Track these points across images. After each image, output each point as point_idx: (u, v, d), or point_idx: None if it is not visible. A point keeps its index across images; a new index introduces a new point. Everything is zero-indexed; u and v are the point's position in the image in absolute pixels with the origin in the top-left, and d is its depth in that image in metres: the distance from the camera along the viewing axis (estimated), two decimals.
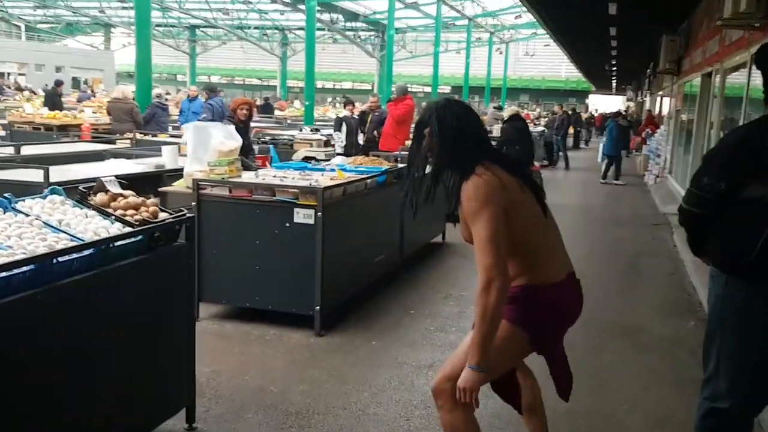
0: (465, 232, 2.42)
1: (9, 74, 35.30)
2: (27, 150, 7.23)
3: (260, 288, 4.73)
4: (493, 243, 2.26)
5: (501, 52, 43.33)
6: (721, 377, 2.68)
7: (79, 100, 17.58)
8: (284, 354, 4.34)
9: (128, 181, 5.83)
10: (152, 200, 3.14)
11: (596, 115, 34.21)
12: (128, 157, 6.73)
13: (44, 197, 2.88)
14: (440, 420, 2.56)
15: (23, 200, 2.79)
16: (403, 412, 3.60)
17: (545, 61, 46.61)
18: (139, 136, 9.84)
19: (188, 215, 3.15)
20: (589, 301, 6.00)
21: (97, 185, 3.08)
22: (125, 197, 3.07)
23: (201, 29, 43.29)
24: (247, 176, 4.89)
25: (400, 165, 6.46)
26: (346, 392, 3.81)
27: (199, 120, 9.23)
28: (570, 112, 27.99)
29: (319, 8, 31.84)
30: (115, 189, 3.08)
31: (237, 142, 5.25)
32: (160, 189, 5.37)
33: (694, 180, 2.66)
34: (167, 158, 6.35)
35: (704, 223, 2.67)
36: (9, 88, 19.36)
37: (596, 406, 3.82)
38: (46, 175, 5.00)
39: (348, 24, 38.43)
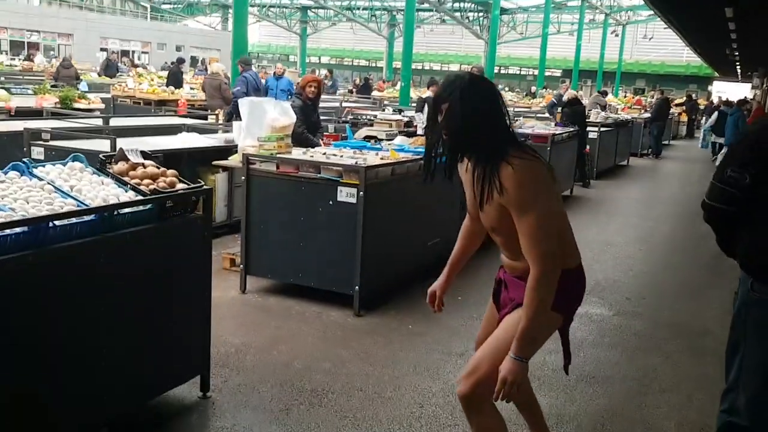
0: (494, 219, 2.28)
1: (134, 52, 37.58)
2: (115, 122, 7.63)
3: (303, 265, 4.76)
4: (549, 230, 2.19)
5: (617, 35, 41.31)
6: (741, 390, 2.42)
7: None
8: (318, 331, 4.34)
9: (195, 154, 6.04)
10: (171, 171, 3.19)
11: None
12: (201, 131, 6.95)
13: (64, 164, 3.00)
14: (474, 427, 2.45)
15: (43, 166, 2.91)
16: (418, 399, 3.51)
17: (666, 44, 43.96)
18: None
19: (204, 187, 3.18)
20: (653, 299, 5.67)
21: (118, 154, 3.17)
22: (145, 167, 3.15)
23: (312, 10, 44.13)
24: (296, 153, 4.91)
25: None
26: (368, 374, 3.76)
27: (233, 92, 9.43)
28: (688, 98, 26.44)
29: None
30: (136, 158, 3.16)
31: (290, 118, 5.28)
32: (213, 163, 5.51)
33: (717, 172, 2.39)
34: (237, 134, 6.49)
35: (730, 220, 2.41)
36: (125, 65, 20.56)
37: (628, 408, 3.57)
38: (113, 145, 5.24)
39: (456, 4, 37.91)
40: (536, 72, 37.84)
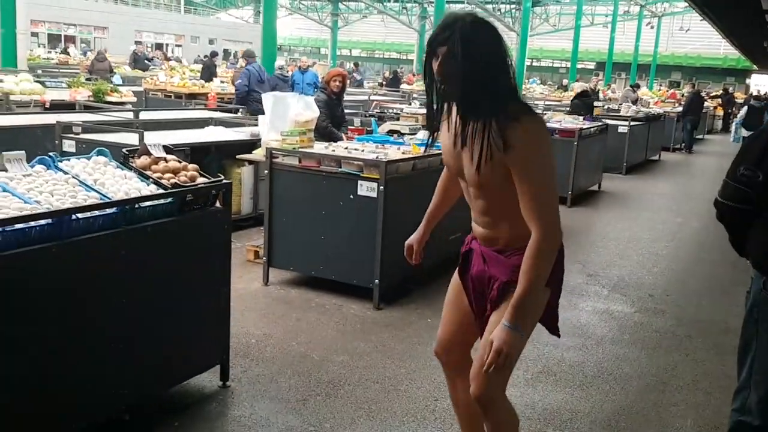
0: (489, 180, 2.07)
1: (167, 45, 38.06)
2: (145, 115, 7.78)
3: (324, 258, 4.82)
4: (554, 197, 2.05)
5: (652, 27, 40.61)
6: (752, 389, 2.41)
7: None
8: (337, 324, 4.40)
9: (221, 148, 6.14)
10: (192, 165, 3.27)
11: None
12: (228, 125, 7.05)
13: (89, 158, 3.09)
14: (491, 425, 2.33)
15: (68, 159, 3.00)
16: (434, 392, 3.54)
17: (702, 36, 43.08)
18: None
19: (224, 181, 3.25)
20: (677, 296, 5.61)
21: (141, 148, 3.25)
22: (167, 161, 3.22)
23: (343, 3, 44.16)
24: (317, 147, 4.96)
25: None
26: (384, 366, 3.81)
27: (235, 85, 9.62)
28: (724, 92, 25.89)
29: None
30: (158, 153, 3.24)
31: (314, 113, 5.33)
32: (237, 156, 5.59)
33: (730, 170, 2.37)
34: (263, 128, 6.57)
35: (743, 219, 2.39)
36: (158, 58, 20.88)
37: (644, 406, 3.56)
38: (141, 139, 5.34)
39: None
40: (569, 64, 37.45)
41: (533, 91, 24.20)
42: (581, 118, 10.37)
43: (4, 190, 2.57)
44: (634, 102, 15.04)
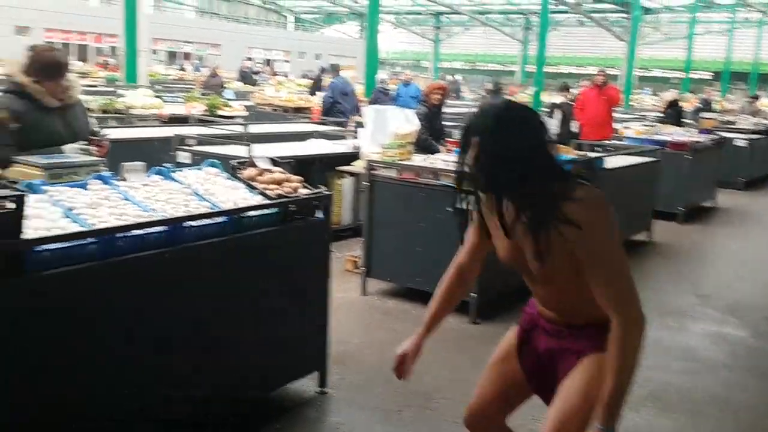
0: (553, 266, 1.91)
1: (275, 61, 39.55)
2: (253, 128, 8.10)
3: (422, 269, 4.83)
4: (629, 276, 1.88)
5: None
6: None
7: None
8: (433, 336, 4.38)
9: (325, 159, 6.31)
10: (296, 177, 3.38)
11: None
12: (331, 137, 7.24)
13: (201, 168, 3.26)
14: None
15: (181, 170, 3.19)
16: (531, 411, 3.42)
17: None
18: (358, 118, 10.50)
19: (325, 193, 3.34)
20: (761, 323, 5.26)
21: (249, 161, 3.40)
22: (272, 173, 3.35)
23: (445, 15, 44.35)
24: (416, 159, 5.01)
25: (596, 154, 6.15)
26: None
27: (322, 98, 9.93)
28: None
29: None
30: (264, 165, 3.38)
31: (414, 126, 5.39)
32: (337, 168, 5.71)
33: None
34: (363, 140, 6.70)
35: None
36: (264, 74, 21.72)
37: None
38: (249, 151, 5.57)
39: (595, 5, 36.66)
40: (680, 74, 35.81)
41: (642, 102, 23.31)
42: (695, 130, 9.91)
43: (125, 198, 2.76)
44: (753, 114, 14.17)
